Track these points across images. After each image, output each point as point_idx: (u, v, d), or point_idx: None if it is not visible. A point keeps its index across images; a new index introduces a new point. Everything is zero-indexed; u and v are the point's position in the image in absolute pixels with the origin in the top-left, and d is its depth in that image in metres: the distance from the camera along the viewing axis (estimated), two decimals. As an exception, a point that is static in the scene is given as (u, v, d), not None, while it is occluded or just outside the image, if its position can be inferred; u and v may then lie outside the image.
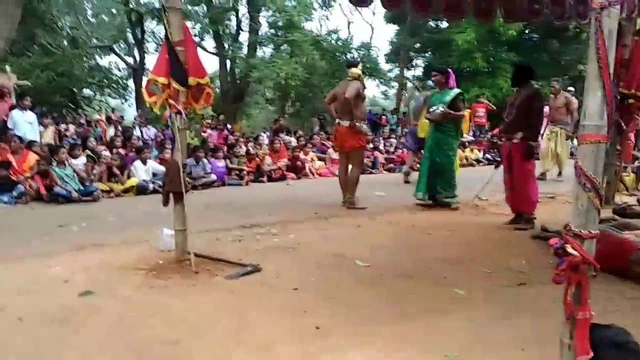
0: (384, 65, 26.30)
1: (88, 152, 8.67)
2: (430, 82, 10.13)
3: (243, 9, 21.95)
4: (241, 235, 5.36)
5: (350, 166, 7.12)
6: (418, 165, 8.46)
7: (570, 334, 2.04)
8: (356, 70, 7.01)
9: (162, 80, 4.19)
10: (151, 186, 8.39)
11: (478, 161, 11.57)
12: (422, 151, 8.27)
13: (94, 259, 4.56)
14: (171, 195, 4.37)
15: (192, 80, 4.26)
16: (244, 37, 23.09)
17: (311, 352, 2.83)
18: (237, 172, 9.51)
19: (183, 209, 4.34)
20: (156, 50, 25.04)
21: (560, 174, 10.23)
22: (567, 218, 5.26)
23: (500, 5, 6.30)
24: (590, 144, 1.96)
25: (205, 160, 9.25)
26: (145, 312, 3.38)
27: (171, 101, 4.21)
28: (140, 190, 8.33)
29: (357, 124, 6.84)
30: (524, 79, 5.59)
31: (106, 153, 8.90)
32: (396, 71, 27.25)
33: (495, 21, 9.82)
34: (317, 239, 5.16)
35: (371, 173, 10.94)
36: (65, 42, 21.32)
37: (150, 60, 28.27)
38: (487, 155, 12.04)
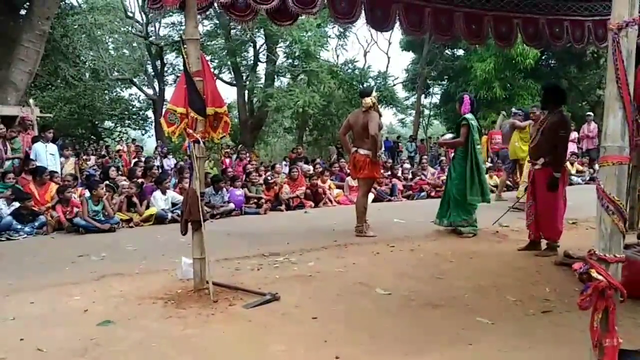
0: (401, 93, 26.44)
1: (107, 182, 8.74)
2: (514, 109, 11.06)
3: (260, 41, 22.32)
4: (260, 264, 5.32)
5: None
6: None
7: (598, 363, 1.96)
8: (369, 100, 6.87)
9: (180, 109, 4.23)
10: (170, 215, 8.41)
11: (496, 187, 11.43)
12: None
13: (114, 288, 4.57)
14: (190, 224, 4.38)
15: (210, 110, 4.30)
16: (261, 67, 23.47)
17: (332, 383, 2.78)
18: (256, 200, 9.51)
19: (201, 237, 4.34)
20: (175, 82, 25.56)
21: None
22: (590, 244, 5.17)
23: (521, 29, 6.29)
24: (612, 165, 1.92)
25: (224, 189, 9.27)
26: (166, 342, 3.36)
27: (189, 130, 4.25)
28: (159, 219, 8.35)
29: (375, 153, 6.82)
30: (553, 101, 5.48)
31: (125, 182, 8.96)
32: (413, 99, 27.37)
33: (514, 47, 9.90)
34: (337, 267, 5.09)
35: (390, 200, 10.86)
36: (88, 75, 21.83)
37: (170, 92, 28.76)
38: (507, 182, 11.90)
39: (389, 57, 32.55)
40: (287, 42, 21.25)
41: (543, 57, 21.64)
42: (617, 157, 1.91)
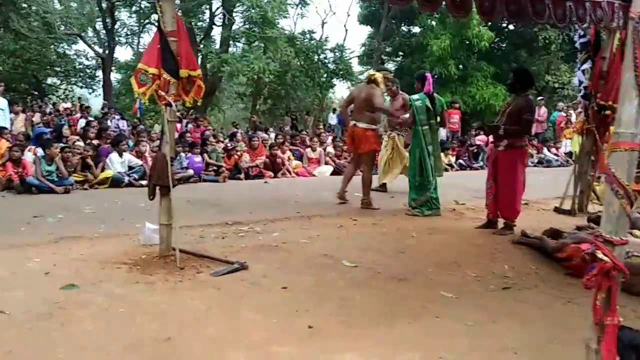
0: (357, 67, 26.39)
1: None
2: None
3: (216, 3, 21.75)
4: (224, 232, 5.27)
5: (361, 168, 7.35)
6: None
7: (598, 340, 2.05)
8: (378, 75, 7.17)
9: (152, 70, 4.08)
10: (126, 179, 8.20)
11: (451, 166, 11.70)
12: None
13: (74, 251, 4.42)
14: (157, 189, 4.28)
15: (183, 72, 4.17)
16: (215, 32, 22.91)
17: (308, 353, 2.81)
18: (215, 168, 9.38)
19: (169, 203, 4.26)
20: (127, 42, 24.68)
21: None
22: (542, 224, 5.34)
23: (504, 4, 6.16)
24: (625, 151, 1.99)
25: (182, 155, 9.09)
26: (134, 307, 3.30)
27: (161, 92, 4.12)
28: (115, 182, 8.12)
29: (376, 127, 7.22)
30: (521, 85, 5.62)
31: (79, 143, 8.64)
32: (367, 73, 27.36)
33: (471, 28, 9.73)
34: (302, 238, 5.10)
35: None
36: (36, 26, 20.73)
37: (121, 51, 27.73)
38: (460, 161, 12.21)
39: (346, 30, 32.42)
40: (245, 7, 20.80)
41: (496, 41, 22.02)
42: (629, 143, 1.98)
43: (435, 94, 6.92)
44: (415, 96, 6.84)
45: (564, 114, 15.65)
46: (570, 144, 13.91)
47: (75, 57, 24.65)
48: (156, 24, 4.31)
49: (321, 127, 16.80)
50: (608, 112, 6.58)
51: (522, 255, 4.81)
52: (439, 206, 6.70)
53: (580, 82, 7.05)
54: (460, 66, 20.73)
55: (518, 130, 5.46)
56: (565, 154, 14.02)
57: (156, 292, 3.59)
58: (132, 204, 6.31)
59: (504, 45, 23.63)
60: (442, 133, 14.00)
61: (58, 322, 3.05)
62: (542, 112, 15.10)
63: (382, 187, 8.40)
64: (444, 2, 5.79)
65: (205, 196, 7.48)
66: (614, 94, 6.51)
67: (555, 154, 14.11)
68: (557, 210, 6.95)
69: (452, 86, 20.33)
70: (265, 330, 3.06)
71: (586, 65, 6.94)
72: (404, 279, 4.07)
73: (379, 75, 7.16)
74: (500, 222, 5.76)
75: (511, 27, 22.78)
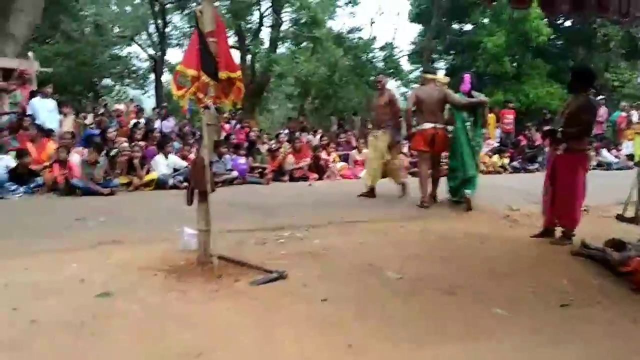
0: (407, 66, 25.94)
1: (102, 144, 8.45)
2: None
3: (266, 4, 21.76)
4: (264, 237, 5.12)
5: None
6: None
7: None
8: (444, 78, 7.74)
9: (191, 72, 3.98)
10: (171, 181, 8.20)
11: (504, 168, 11.25)
12: None
13: (113, 257, 4.38)
14: (195, 193, 4.17)
15: (223, 74, 4.04)
16: (264, 33, 22.93)
17: (346, 375, 2.61)
18: (260, 170, 9.29)
19: (207, 208, 4.13)
20: (178, 44, 25.04)
21: (403, 189, 7.91)
22: (604, 233, 4.93)
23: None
24: None
25: (227, 157, 9.04)
26: (167, 318, 3.19)
27: (200, 95, 4.00)
28: (160, 184, 8.13)
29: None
30: (581, 86, 5.24)
31: (125, 145, 8.69)
32: (417, 72, 26.86)
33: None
34: (345, 245, 4.91)
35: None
36: (88, 30, 21.28)
37: (172, 53, 28.21)
38: (514, 163, 11.71)
39: (395, 28, 31.99)
40: (294, 8, 20.72)
41: (552, 37, 21.19)
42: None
43: (474, 93, 7.28)
44: (456, 95, 7.28)
45: (625, 114, 14.84)
46: (632, 145, 13.18)
47: (128, 59, 25.23)
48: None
49: (370, 127, 16.51)
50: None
51: (582, 268, 4.44)
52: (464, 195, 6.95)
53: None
54: (515, 64, 20.04)
55: (577, 132, 5.08)
56: (626, 156, 13.27)
57: (192, 301, 3.48)
58: (175, 207, 6.22)
59: (560, 42, 22.72)
60: (496, 133, 13.65)
61: (89, 333, 2.96)
62: (602, 112, 14.35)
63: (370, 193, 7.81)
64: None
65: (247, 199, 7.37)
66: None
67: (615, 156, 13.37)
68: (619, 218, 6.48)
69: (506, 84, 19.66)
70: (301, 346, 2.88)
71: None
72: (452, 292, 3.79)
73: (439, 77, 7.59)
74: (558, 231, 5.39)
75: (568, 23, 21.92)
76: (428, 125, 7.19)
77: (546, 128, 5.67)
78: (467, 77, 7.39)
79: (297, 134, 11.92)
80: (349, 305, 3.48)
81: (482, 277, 4.13)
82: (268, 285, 3.80)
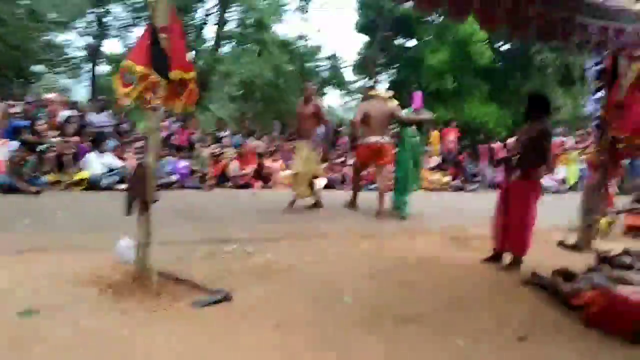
0: (351, 76, 26.01)
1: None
2: None
3: (212, 1, 21.23)
4: (209, 251, 4.77)
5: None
6: None
7: None
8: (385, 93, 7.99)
9: (140, 69, 3.60)
10: (105, 182, 7.64)
11: (447, 186, 11.33)
12: None
13: (39, 267, 3.92)
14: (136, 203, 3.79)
15: (175, 74, 3.70)
16: (207, 31, 22.36)
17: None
18: (200, 175, 8.85)
19: (148, 219, 3.76)
20: (118, 35, 24.03)
21: (315, 204, 7.73)
22: (551, 260, 4.83)
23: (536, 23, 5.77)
24: None
25: (167, 159, 8.55)
26: (99, 343, 2.85)
27: (148, 95, 3.64)
28: (92, 184, 7.56)
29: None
30: (537, 112, 5.22)
31: (55, 139, 8.03)
32: (361, 83, 26.94)
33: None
34: (297, 262, 4.64)
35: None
36: (22, 13, 20.00)
37: (111, 44, 27.01)
38: (456, 182, 11.80)
39: (342, 38, 32.11)
40: (241, 8, 20.36)
41: (492, 60, 21.76)
42: None
43: (422, 109, 8.00)
44: (405, 110, 7.84)
45: (560, 139, 15.35)
46: (566, 170, 13.64)
47: (63, 46, 23.92)
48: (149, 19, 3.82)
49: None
50: (622, 145, 6.23)
51: (535, 299, 4.35)
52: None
53: (593, 112, 6.69)
54: (456, 82, 20.44)
55: (535, 160, 5.05)
56: (559, 180, 13.68)
57: (127, 324, 3.12)
58: (110, 210, 5.76)
59: (499, 64, 23.39)
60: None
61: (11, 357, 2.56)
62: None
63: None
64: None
65: (189, 207, 6.98)
66: (629, 125, 6.16)
67: (552, 179, 13.77)
68: (561, 244, 6.54)
69: (447, 101, 20.03)
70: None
71: (600, 94, 6.58)
72: (412, 319, 3.59)
73: (382, 92, 7.96)
74: (508, 256, 5.34)
75: (507, 47, 22.64)
76: (374, 139, 7.39)
77: (501, 156, 5.65)
78: (418, 95, 7.94)
79: (242, 138, 11.51)
80: (303, 334, 3.22)
81: (440, 305, 3.96)
82: (213, 306, 3.49)
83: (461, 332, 3.44)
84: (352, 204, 7.95)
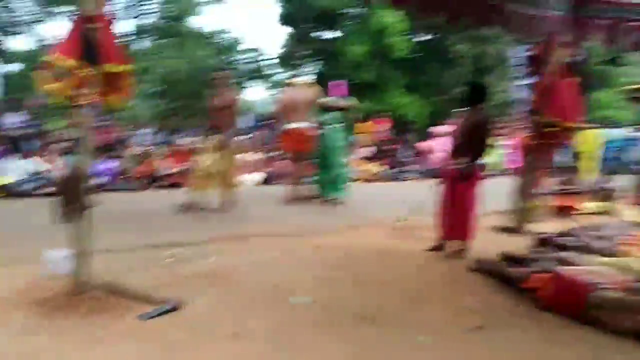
0: (276, 69, 25.75)
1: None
2: None
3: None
4: (150, 258, 4.47)
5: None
6: None
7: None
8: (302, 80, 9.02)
9: (70, 62, 3.27)
10: (26, 187, 7.05)
11: (380, 176, 11.40)
12: None
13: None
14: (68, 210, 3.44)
15: (109, 66, 3.39)
16: (123, 25, 21.44)
17: None
18: (129, 175, 8.37)
19: (84, 227, 3.44)
20: (20, 33, 22.49)
21: (227, 203, 7.10)
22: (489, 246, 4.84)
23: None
24: None
25: (95, 160, 8.02)
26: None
27: (80, 91, 3.31)
28: (12, 191, 6.95)
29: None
30: (475, 99, 5.26)
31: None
32: (285, 76, 26.76)
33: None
34: (244, 264, 4.42)
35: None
36: None
37: (19, 40, 25.40)
38: (390, 171, 11.91)
39: (265, 30, 31.78)
40: (158, 2, 19.67)
41: (410, 51, 22.12)
42: None
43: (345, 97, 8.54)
44: (327, 98, 8.21)
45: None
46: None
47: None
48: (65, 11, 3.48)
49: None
50: (551, 129, 6.43)
51: (485, 285, 4.36)
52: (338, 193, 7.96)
53: (524, 97, 6.87)
54: (375, 74, 20.66)
55: (476, 148, 5.09)
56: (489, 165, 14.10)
57: (65, 346, 2.81)
58: (35, 219, 5.29)
59: (418, 56, 23.87)
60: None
61: None
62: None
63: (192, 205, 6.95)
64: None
65: (122, 210, 6.56)
66: (557, 110, 6.37)
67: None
68: (499, 229, 6.68)
69: (368, 93, 20.23)
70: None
71: (530, 80, 6.77)
72: (369, 318, 3.47)
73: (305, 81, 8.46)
74: (453, 244, 5.36)
75: (424, 38, 23.17)
76: (296, 126, 7.75)
77: (429, 146, 5.69)
78: (343, 83, 8.67)
79: (167, 136, 11.04)
80: (263, 341, 3.02)
81: (395, 300, 3.87)
82: (162, 318, 3.23)
83: (419, 327, 3.35)
84: (292, 198, 8.03)
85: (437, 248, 5.41)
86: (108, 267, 3.99)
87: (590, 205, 8.62)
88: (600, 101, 21.98)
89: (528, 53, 6.70)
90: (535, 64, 6.61)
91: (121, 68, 3.47)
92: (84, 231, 3.45)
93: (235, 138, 7.29)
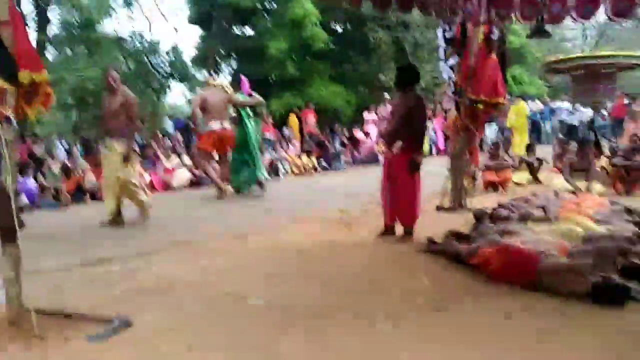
0: (191, 70, 25.09)
1: None
2: None
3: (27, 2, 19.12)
4: (89, 275, 4.20)
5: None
6: None
7: None
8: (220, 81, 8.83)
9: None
10: None
11: (315, 169, 11.35)
12: None
13: None
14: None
15: (24, 75, 3.12)
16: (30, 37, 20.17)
17: None
18: (54, 192, 7.86)
19: (17, 250, 3.17)
20: None
21: (143, 213, 6.53)
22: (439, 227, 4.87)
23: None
24: None
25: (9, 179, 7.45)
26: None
27: (-3, 104, 3.03)
28: None
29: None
30: (407, 82, 5.29)
31: None
32: (201, 76, 26.14)
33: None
34: (189, 273, 4.23)
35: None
36: None
37: None
38: (322, 163, 11.89)
39: (176, 30, 30.95)
40: (64, 7, 18.62)
41: (330, 42, 22.19)
42: None
43: (254, 93, 8.86)
44: (238, 95, 8.53)
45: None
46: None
47: None
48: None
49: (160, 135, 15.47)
50: (480, 106, 6.61)
51: (435, 266, 4.41)
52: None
53: (449, 78, 7.01)
54: (297, 68, 20.58)
55: (412, 131, 5.14)
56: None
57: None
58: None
59: (338, 47, 23.97)
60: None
61: None
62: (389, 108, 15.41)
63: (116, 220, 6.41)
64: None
65: (49, 228, 6.16)
66: (484, 88, 6.55)
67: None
68: (439, 208, 6.82)
69: (292, 88, 20.15)
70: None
71: (452, 61, 6.91)
72: (328, 313, 3.38)
73: (221, 81, 8.87)
74: (399, 229, 5.41)
75: (343, 28, 23.33)
76: (215, 126, 8.01)
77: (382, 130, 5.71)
78: (244, 78, 8.96)
79: (89, 147, 10.49)
80: (221, 350, 2.88)
81: (351, 292, 3.81)
82: (113, 338, 3.02)
83: (380, 316, 3.31)
84: (221, 193, 8.26)
85: (385, 233, 5.44)
86: (45, 289, 3.75)
87: (521, 176, 9.01)
88: (516, 77, 22.95)
89: (447, 34, 6.82)
90: (456, 44, 6.75)
91: (38, 77, 3.21)
92: (15, 256, 3.17)
93: (134, 143, 6.85)
